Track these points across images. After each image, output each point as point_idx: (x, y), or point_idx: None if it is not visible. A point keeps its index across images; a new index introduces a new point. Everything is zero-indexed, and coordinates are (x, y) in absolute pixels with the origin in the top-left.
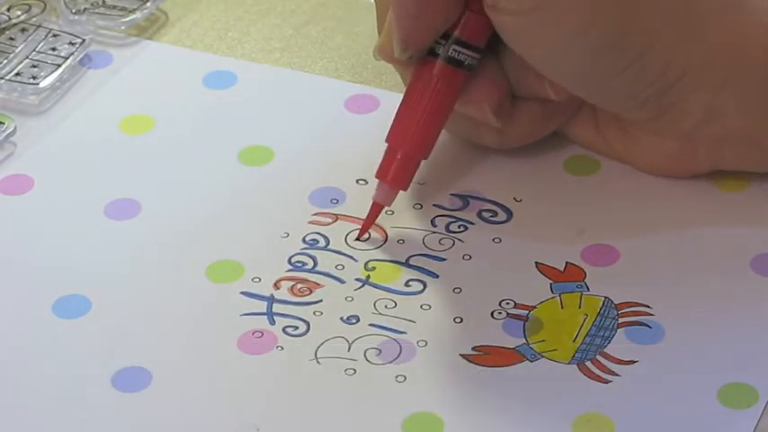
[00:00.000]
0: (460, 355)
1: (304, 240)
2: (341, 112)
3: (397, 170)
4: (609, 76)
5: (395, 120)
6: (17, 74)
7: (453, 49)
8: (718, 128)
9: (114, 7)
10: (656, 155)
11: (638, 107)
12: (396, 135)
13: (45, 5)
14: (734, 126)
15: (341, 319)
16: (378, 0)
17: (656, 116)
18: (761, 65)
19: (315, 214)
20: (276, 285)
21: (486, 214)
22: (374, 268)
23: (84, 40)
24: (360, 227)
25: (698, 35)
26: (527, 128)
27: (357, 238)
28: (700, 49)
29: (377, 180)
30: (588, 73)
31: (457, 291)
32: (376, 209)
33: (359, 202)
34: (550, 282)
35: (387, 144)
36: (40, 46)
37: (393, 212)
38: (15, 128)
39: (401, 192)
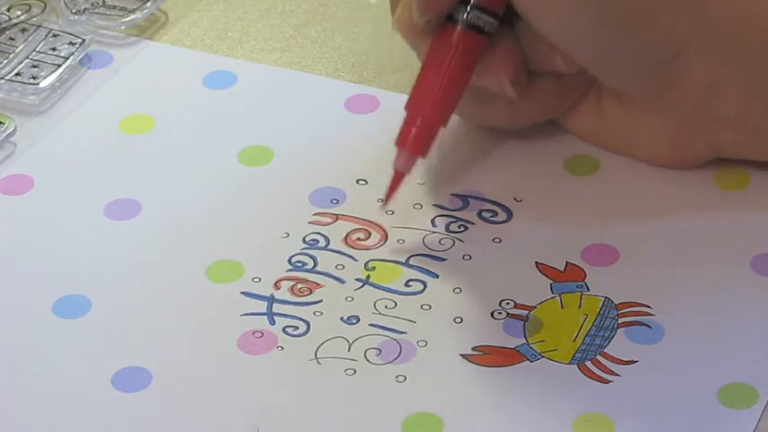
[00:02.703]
0: (460, 355)
1: (304, 240)
2: (341, 112)
3: (416, 137)
4: (614, 44)
5: (414, 87)
6: (17, 74)
7: (473, 15)
8: (718, 108)
9: (114, 7)
10: (656, 138)
11: (640, 81)
12: (415, 102)
13: (45, 5)
14: (734, 108)
15: (341, 319)
16: None
17: (658, 92)
18: (762, 41)
19: (315, 214)
20: (276, 285)
21: (486, 214)
22: (374, 268)
23: (84, 40)
24: (360, 226)
25: (699, 7)
26: (539, 105)
27: (383, 205)
28: (701, 22)
29: (396, 148)
30: (594, 40)
31: (457, 291)
32: (398, 177)
33: (359, 202)
34: (550, 282)
35: (405, 112)
36: (40, 46)
37: (393, 212)
38: (15, 128)
39: (401, 192)
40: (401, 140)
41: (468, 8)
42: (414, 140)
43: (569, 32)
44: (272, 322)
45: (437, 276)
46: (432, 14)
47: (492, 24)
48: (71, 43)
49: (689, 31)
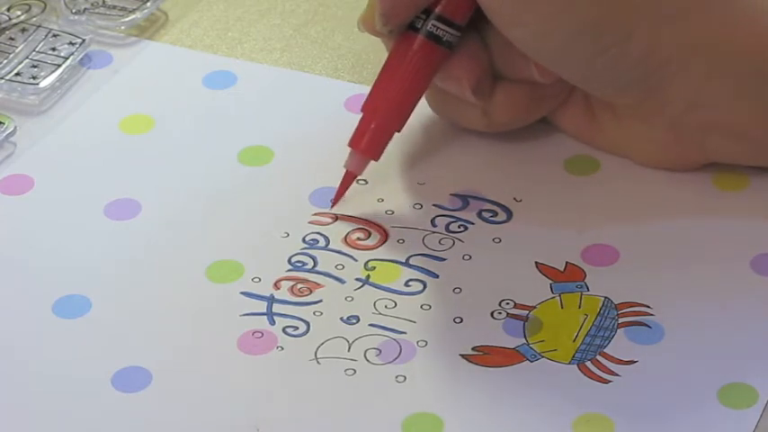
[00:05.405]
0: (460, 355)
1: (304, 240)
2: (341, 112)
3: (370, 140)
4: (589, 57)
5: (372, 90)
6: (17, 74)
7: (433, 25)
8: (703, 117)
9: (114, 7)
10: (647, 142)
11: (619, 91)
12: (371, 105)
13: (45, 5)
14: (719, 116)
15: (341, 319)
16: None
17: (639, 102)
18: (746, 56)
19: (315, 214)
20: (276, 285)
21: (486, 214)
22: (374, 268)
23: (84, 40)
24: (360, 226)
25: (682, 24)
26: (513, 111)
27: (331, 207)
28: (684, 38)
29: (349, 149)
30: (569, 53)
31: (457, 291)
32: (349, 177)
33: (359, 203)
34: (550, 282)
35: (361, 113)
36: (40, 46)
37: (393, 212)
38: (15, 128)
39: (401, 192)
40: (355, 141)
41: (430, 19)
42: (367, 144)
43: (542, 44)
44: (272, 322)
45: (437, 276)
46: (393, 25)
47: (454, 36)
48: (71, 43)
49: (670, 48)
